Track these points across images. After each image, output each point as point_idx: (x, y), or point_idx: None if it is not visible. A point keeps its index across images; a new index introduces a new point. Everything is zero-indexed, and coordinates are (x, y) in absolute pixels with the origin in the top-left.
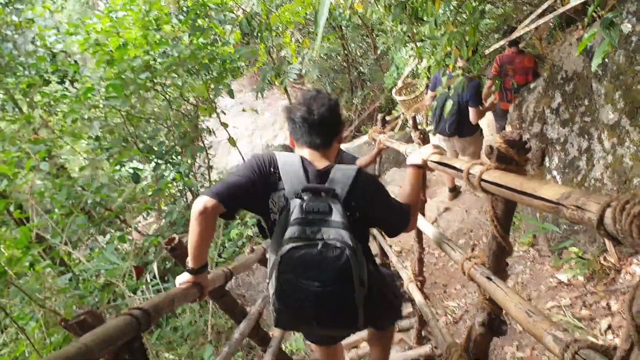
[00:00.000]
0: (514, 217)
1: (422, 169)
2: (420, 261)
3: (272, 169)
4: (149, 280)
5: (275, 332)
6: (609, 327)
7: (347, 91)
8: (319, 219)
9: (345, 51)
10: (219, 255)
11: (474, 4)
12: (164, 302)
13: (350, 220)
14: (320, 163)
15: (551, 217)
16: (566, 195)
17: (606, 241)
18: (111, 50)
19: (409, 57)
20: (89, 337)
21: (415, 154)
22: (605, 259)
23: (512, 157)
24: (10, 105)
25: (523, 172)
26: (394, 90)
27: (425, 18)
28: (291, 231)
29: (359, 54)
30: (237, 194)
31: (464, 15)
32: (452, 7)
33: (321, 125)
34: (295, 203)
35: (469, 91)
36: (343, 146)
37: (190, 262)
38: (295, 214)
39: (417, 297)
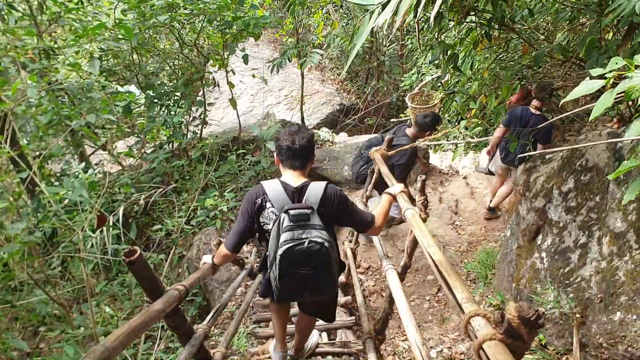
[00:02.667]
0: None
1: (394, 197)
2: (385, 322)
3: (260, 199)
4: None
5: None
6: None
7: (362, 77)
8: (303, 224)
9: (372, 38)
10: (187, 222)
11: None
12: (195, 281)
13: (324, 222)
14: (297, 181)
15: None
16: None
17: (574, 342)
18: None
19: (434, 66)
20: (158, 303)
21: (394, 187)
22: None
23: (522, 335)
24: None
25: (526, 348)
26: (408, 95)
27: (463, 69)
28: (285, 236)
29: (384, 43)
30: (244, 237)
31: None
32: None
33: (301, 152)
34: (283, 216)
35: (543, 129)
36: (342, 137)
37: (214, 260)
38: (285, 223)
39: (371, 357)
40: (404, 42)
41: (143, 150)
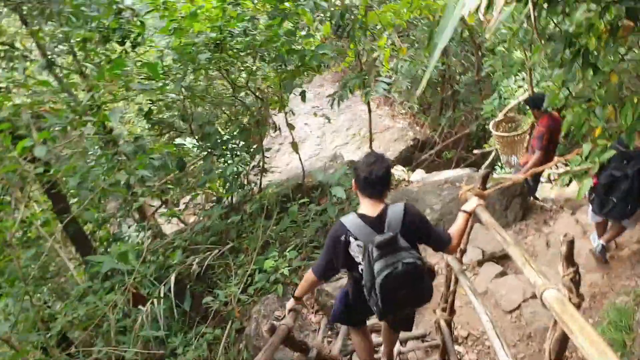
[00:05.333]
0: None
1: (469, 214)
2: None
3: (344, 236)
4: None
5: None
6: None
7: (436, 109)
8: (391, 249)
9: (444, 65)
10: (244, 290)
11: None
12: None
13: (409, 241)
14: (376, 209)
15: None
16: None
17: None
18: (182, 17)
19: (518, 87)
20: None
21: (469, 203)
22: None
23: None
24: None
25: None
26: (492, 122)
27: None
28: (378, 265)
29: (458, 71)
30: (328, 267)
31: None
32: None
33: (378, 183)
34: (371, 247)
35: None
36: (418, 174)
37: (296, 292)
38: (374, 253)
39: None
40: (480, 64)
41: (201, 206)
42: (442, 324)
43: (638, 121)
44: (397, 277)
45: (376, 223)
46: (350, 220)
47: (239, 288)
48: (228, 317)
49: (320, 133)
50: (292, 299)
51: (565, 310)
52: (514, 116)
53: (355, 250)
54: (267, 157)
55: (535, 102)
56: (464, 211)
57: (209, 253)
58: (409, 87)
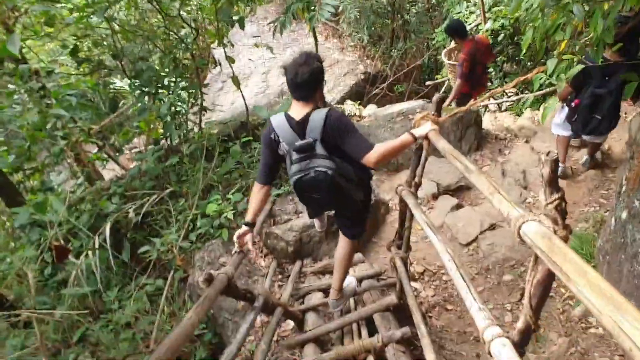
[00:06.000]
0: None
1: (415, 140)
2: None
3: (273, 135)
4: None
5: None
6: None
7: (386, 40)
8: (308, 154)
9: None
10: (186, 237)
11: None
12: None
13: (329, 148)
14: (302, 112)
15: None
16: None
17: None
18: None
19: (470, 13)
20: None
21: (422, 128)
22: None
23: None
24: None
25: None
26: (443, 52)
27: None
28: (294, 167)
29: None
30: (267, 169)
31: None
32: None
33: (303, 85)
34: (291, 150)
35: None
36: (370, 109)
37: (246, 216)
38: (293, 156)
39: None
40: None
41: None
42: (398, 262)
43: (607, 32)
44: (306, 182)
45: (299, 127)
46: (277, 121)
47: (179, 235)
48: (171, 266)
49: (266, 69)
50: (243, 227)
51: (554, 248)
52: None
53: (283, 150)
54: (208, 95)
55: (452, 29)
56: (411, 134)
57: (147, 199)
58: (358, 16)
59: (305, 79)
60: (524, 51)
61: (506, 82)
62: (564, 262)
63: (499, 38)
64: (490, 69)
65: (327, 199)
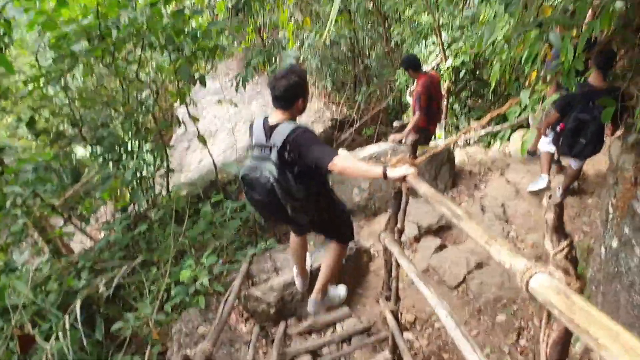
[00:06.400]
0: None
1: (385, 178)
2: None
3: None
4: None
5: None
6: None
7: (349, 86)
8: (265, 157)
9: (352, 40)
10: (161, 308)
11: None
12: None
13: (284, 160)
14: (275, 119)
15: None
16: None
17: None
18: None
19: (429, 53)
20: None
21: (398, 170)
22: None
23: None
24: None
25: None
26: (407, 91)
27: None
28: (247, 162)
29: (367, 44)
30: None
31: None
32: None
33: (279, 97)
34: (255, 147)
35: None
36: (342, 153)
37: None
38: (254, 152)
39: None
40: (388, 34)
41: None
42: (389, 316)
43: (578, 60)
44: (251, 179)
45: (269, 131)
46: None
47: (154, 307)
48: (147, 341)
49: (232, 124)
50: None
51: (573, 308)
52: None
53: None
54: (174, 156)
55: (408, 63)
56: (384, 171)
57: (117, 271)
58: (319, 65)
59: (282, 91)
60: (493, 85)
61: (471, 117)
62: (589, 325)
63: (461, 74)
64: (456, 105)
65: (268, 206)
